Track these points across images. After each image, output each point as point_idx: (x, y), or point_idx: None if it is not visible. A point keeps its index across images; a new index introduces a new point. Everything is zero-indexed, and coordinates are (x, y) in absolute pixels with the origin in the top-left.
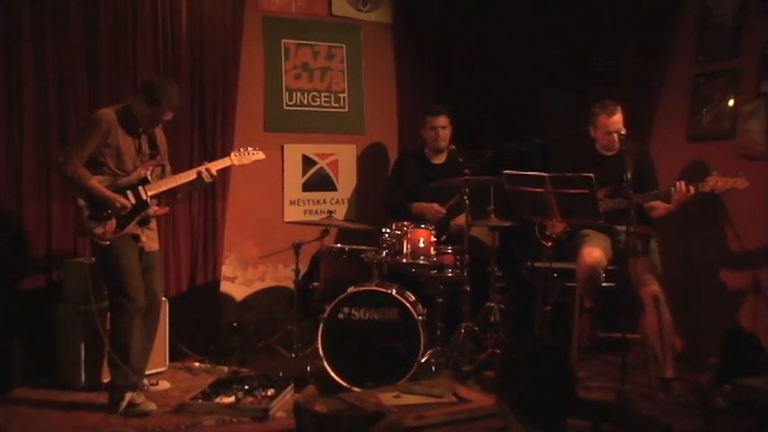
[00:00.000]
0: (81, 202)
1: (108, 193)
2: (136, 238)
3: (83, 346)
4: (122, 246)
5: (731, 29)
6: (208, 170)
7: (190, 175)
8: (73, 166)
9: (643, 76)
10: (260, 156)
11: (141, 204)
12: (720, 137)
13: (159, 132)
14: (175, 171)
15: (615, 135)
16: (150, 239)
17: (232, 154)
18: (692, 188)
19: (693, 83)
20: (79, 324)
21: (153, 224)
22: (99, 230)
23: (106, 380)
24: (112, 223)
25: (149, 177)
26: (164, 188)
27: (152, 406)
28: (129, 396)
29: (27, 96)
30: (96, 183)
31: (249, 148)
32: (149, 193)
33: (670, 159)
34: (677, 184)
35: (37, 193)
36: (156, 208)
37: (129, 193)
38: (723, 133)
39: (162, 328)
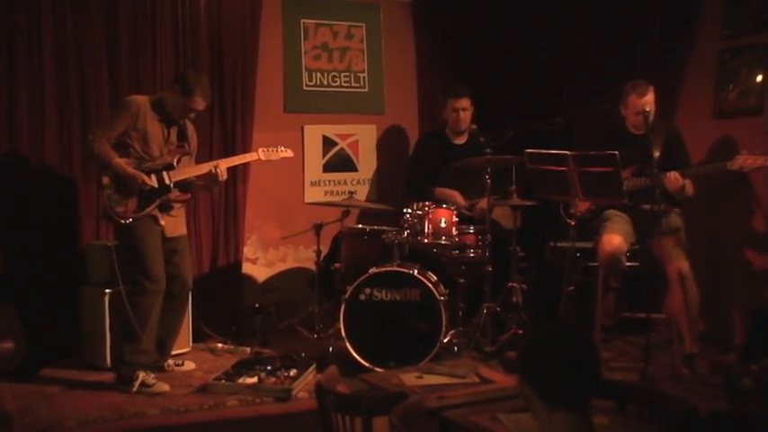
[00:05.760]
0: (105, 180)
1: (131, 170)
2: (155, 220)
3: (107, 327)
4: (143, 227)
5: (757, 3)
6: (218, 167)
7: (205, 168)
8: (100, 145)
9: (667, 53)
10: (288, 153)
11: (163, 188)
12: (747, 113)
13: (191, 128)
14: (197, 155)
15: (644, 115)
16: (173, 224)
17: (260, 150)
18: (680, 177)
19: (719, 59)
20: (103, 305)
21: (178, 210)
22: (120, 209)
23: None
24: (133, 202)
25: (174, 164)
26: (187, 176)
27: (165, 387)
28: (141, 375)
29: (48, 82)
30: (121, 161)
31: (280, 147)
32: (173, 179)
33: (696, 137)
34: (667, 175)
35: (60, 177)
36: (178, 193)
37: (153, 176)
38: (750, 109)
39: None
